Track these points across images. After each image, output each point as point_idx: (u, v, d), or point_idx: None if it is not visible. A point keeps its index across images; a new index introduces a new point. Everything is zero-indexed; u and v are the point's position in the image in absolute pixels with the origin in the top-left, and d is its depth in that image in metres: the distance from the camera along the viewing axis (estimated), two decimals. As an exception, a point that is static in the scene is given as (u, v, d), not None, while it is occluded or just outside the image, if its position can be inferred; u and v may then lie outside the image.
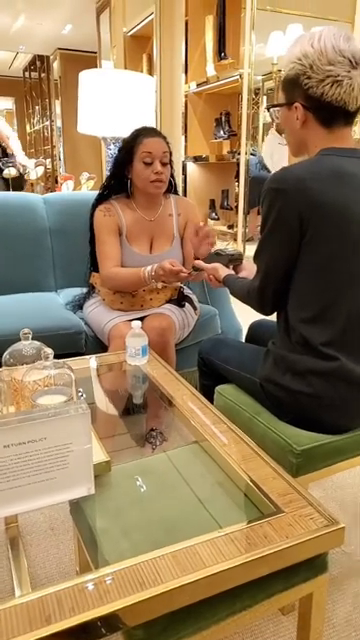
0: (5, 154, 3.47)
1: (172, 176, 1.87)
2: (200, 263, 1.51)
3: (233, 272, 1.47)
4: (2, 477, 0.76)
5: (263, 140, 4.46)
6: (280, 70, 1.14)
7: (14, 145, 3.63)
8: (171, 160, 1.80)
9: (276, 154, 4.05)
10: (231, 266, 1.50)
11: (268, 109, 1.22)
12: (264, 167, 4.19)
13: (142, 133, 1.75)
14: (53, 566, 1.32)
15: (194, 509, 0.89)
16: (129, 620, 0.66)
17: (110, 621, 0.63)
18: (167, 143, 1.77)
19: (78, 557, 1.24)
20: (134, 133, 1.77)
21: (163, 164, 1.74)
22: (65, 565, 1.32)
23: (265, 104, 4.30)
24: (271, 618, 1.20)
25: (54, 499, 0.81)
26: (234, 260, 1.51)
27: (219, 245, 1.76)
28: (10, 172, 3.13)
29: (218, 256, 1.51)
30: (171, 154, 1.79)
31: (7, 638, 0.59)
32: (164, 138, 1.77)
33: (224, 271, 1.44)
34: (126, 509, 0.89)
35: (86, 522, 0.87)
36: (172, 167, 1.83)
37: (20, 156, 3.59)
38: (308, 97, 1.07)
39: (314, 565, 0.83)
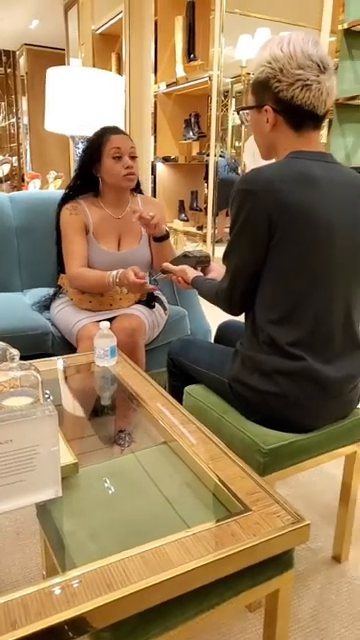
0: None
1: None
2: (168, 265, 1.51)
3: (201, 274, 1.48)
4: (-34, 481, 0.75)
5: (232, 143, 4.50)
6: (249, 73, 1.15)
7: None
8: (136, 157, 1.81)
9: (257, 153, 4.10)
10: (199, 268, 1.51)
11: (238, 112, 1.24)
12: (233, 169, 4.24)
13: (107, 131, 1.78)
14: (18, 571, 1.30)
15: (162, 509, 0.90)
16: (97, 622, 0.65)
17: (78, 624, 0.63)
18: (131, 140, 1.80)
19: (45, 561, 1.23)
20: (99, 132, 1.80)
21: (132, 157, 1.76)
22: (31, 569, 1.30)
23: (234, 106, 4.35)
24: (238, 615, 1.21)
25: (21, 502, 0.80)
26: (202, 262, 1.52)
27: (189, 247, 1.77)
28: None
29: (186, 258, 1.52)
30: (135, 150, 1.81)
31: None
32: (128, 136, 1.81)
33: (192, 273, 1.45)
34: (94, 511, 0.89)
35: (53, 525, 0.86)
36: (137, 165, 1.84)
37: None
38: (278, 100, 1.09)
39: (280, 562, 0.85)
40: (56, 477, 0.82)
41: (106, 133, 1.77)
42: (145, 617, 0.71)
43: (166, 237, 1.81)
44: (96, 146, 1.76)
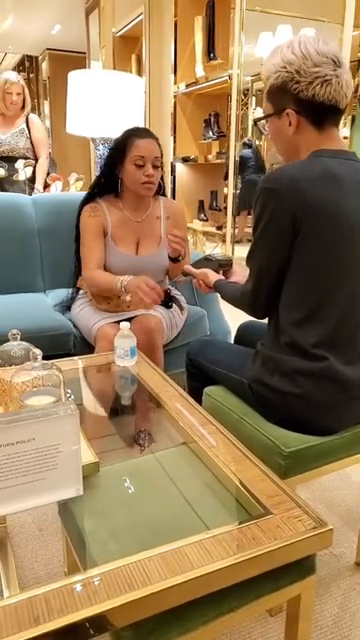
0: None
1: (162, 178, 1.87)
2: (189, 268, 1.51)
3: (223, 277, 1.47)
4: (-11, 479, 0.76)
5: (252, 136, 4.46)
6: (267, 77, 1.15)
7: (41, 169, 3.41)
8: (162, 162, 1.80)
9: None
10: (221, 271, 1.50)
11: (255, 122, 1.22)
12: (259, 168, 4.19)
13: (135, 134, 1.74)
14: (41, 567, 1.32)
15: (182, 511, 0.89)
16: (117, 621, 0.66)
17: (98, 622, 0.63)
18: (159, 145, 1.77)
19: (66, 558, 1.24)
20: (126, 133, 1.76)
21: (154, 167, 1.74)
22: (53, 566, 1.32)
23: (254, 105, 4.32)
24: (259, 620, 1.20)
25: (43, 500, 0.81)
26: (224, 265, 1.51)
27: (208, 248, 1.77)
28: (19, 176, 3.10)
29: (208, 261, 1.50)
30: (162, 155, 1.79)
31: (-5, 641, 0.59)
32: (156, 139, 1.77)
33: (214, 276, 1.44)
34: (114, 510, 0.89)
35: (74, 523, 0.87)
36: (162, 169, 1.83)
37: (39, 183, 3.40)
38: (299, 101, 1.09)
39: (302, 567, 0.84)
40: (77, 476, 0.83)
41: (132, 136, 1.73)
42: (165, 618, 0.71)
43: (179, 260, 1.79)
44: (121, 148, 1.74)
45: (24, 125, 3.31)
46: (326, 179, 1.05)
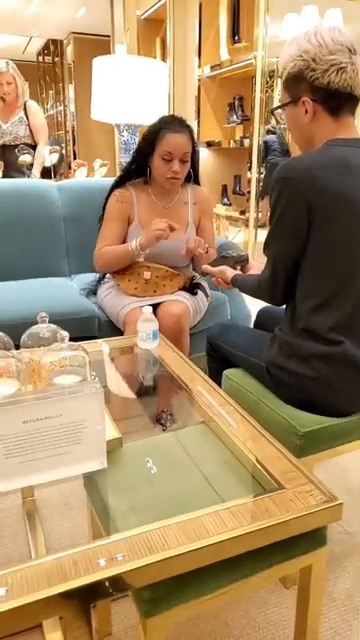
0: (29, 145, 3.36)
1: (194, 167, 1.88)
2: (207, 267, 1.55)
3: (240, 272, 1.51)
4: (21, 451, 0.82)
5: (277, 124, 4.41)
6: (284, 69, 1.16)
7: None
8: (194, 150, 1.81)
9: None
10: (238, 267, 1.54)
11: (272, 112, 1.23)
12: (284, 152, 4.14)
13: (168, 126, 1.73)
14: (67, 538, 1.39)
15: (201, 485, 0.94)
16: (138, 581, 0.72)
17: (121, 581, 0.69)
18: (192, 138, 1.77)
19: (91, 530, 1.31)
20: (159, 124, 1.76)
21: (182, 162, 1.76)
22: (78, 538, 1.39)
23: (279, 87, 4.26)
24: (274, 591, 1.26)
25: (69, 471, 0.87)
26: (240, 261, 1.55)
27: (231, 233, 1.79)
28: (25, 159, 3.13)
29: (225, 259, 1.55)
30: (196, 146, 1.80)
31: (28, 592, 0.65)
32: (189, 132, 1.77)
33: (231, 272, 1.48)
34: (136, 484, 0.95)
35: (99, 495, 0.93)
36: (195, 158, 1.84)
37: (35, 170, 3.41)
38: (315, 89, 1.10)
39: (313, 539, 0.88)
40: (102, 450, 0.89)
41: (164, 129, 1.73)
42: (182, 581, 0.77)
43: (205, 252, 1.82)
44: (152, 139, 1.75)
45: (22, 113, 3.32)
46: (340, 167, 1.07)
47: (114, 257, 1.83)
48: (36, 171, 3.33)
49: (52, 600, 0.65)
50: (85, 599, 0.69)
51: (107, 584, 0.68)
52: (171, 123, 1.76)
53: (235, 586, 0.83)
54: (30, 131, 3.36)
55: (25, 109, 3.34)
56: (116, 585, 0.69)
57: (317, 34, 1.08)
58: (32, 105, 3.39)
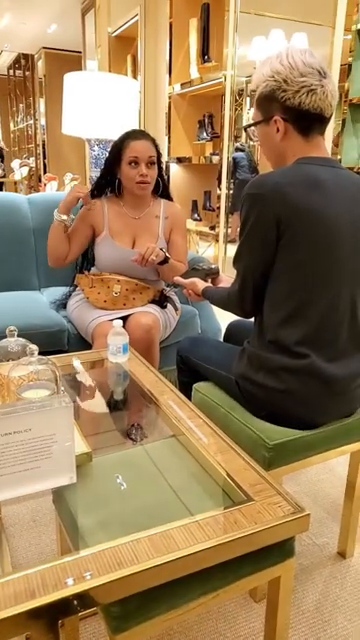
0: None
1: (162, 177, 1.92)
2: (178, 279, 1.57)
3: (211, 285, 1.53)
4: (-12, 467, 0.80)
5: (246, 141, 4.52)
6: (254, 91, 1.20)
7: None
8: (160, 162, 1.85)
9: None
10: (209, 280, 1.57)
11: (245, 129, 1.27)
12: (253, 169, 4.23)
13: (130, 136, 1.82)
14: (35, 556, 1.36)
15: (170, 498, 0.95)
16: (107, 597, 0.71)
17: (89, 597, 0.68)
18: (155, 145, 1.83)
19: (60, 547, 1.28)
20: (123, 136, 1.84)
21: (148, 166, 1.81)
22: (46, 555, 1.37)
23: (249, 105, 4.37)
24: (244, 605, 1.26)
25: (38, 487, 0.86)
26: (211, 274, 1.58)
27: (201, 247, 1.82)
28: None
29: (195, 271, 1.58)
30: (160, 155, 1.85)
31: (-6, 611, 0.64)
32: (152, 140, 1.84)
33: (202, 284, 1.51)
34: (106, 499, 0.94)
35: (68, 510, 0.92)
36: (161, 169, 1.89)
37: None
38: (286, 108, 1.14)
39: (282, 550, 0.89)
40: (71, 465, 0.88)
41: (128, 138, 1.81)
42: (152, 595, 0.76)
43: (165, 262, 1.84)
44: (117, 150, 1.82)
45: None
46: (310, 184, 1.10)
47: (51, 238, 1.87)
48: None
49: (19, 618, 0.64)
50: (53, 617, 0.68)
51: (75, 601, 0.67)
52: (133, 133, 1.84)
53: (205, 599, 0.83)
54: None
55: None
56: (85, 601, 0.68)
57: (289, 56, 1.12)
58: None
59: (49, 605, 0.65)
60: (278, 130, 1.17)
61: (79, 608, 0.68)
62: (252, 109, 1.24)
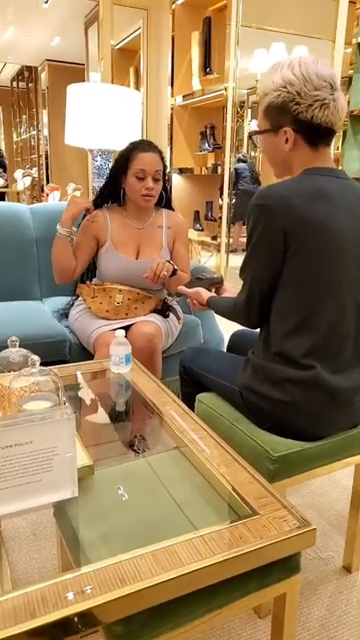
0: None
1: (165, 189, 1.92)
2: (182, 289, 1.56)
3: (215, 294, 1.52)
4: (-12, 480, 0.79)
5: (247, 152, 4.54)
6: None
7: None
8: (165, 174, 1.85)
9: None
10: (213, 289, 1.56)
11: (250, 136, 1.27)
12: (255, 180, 4.25)
13: (138, 147, 1.80)
14: (35, 571, 1.34)
15: (173, 512, 0.93)
16: (110, 615, 0.69)
17: (91, 616, 0.66)
18: (162, 158, 1.83)
19: (61, 562, 1.26)
20: (130, 146, 1.82)
21: (155, 180, 1.80)
22: (47, 570, 1.34)
23: (250, 117, 4.40)
24: (248, 621, 1.23)
25: (39, 501, 0.84)
26: (215, 283, 1.57)
27: (204, 257, 1.82)
28: None
29: (199, 280, 1.57)
30: (165, 168, 1.85)
31: (-7, 630, 0.62)
32: (159, 152, 1.83)
33: (206, 294, 1.50)
34: (108, 512, 0.92)
35: (69, 524, 0.90)
36: (165, 181, 1.88)
37: None
38: (298, 121, 1.13)
39: (287, 565, 0.87)
40: (73, 478, 0.86)
41: (136, 149, 1.79)
42: (156, 613, 0.74)
43: (174, 274, 1.82)
44: (124, 160, 1.80)
45: None
46: (316, 196, 1.10)
47: (55, 252, 1.84)
48: None
49: (19, 638, 0.62)
50: (54, 636, 0.66)
51: (77, 620, 0.65)
52: (141, 144, 1.82)
53: (210, 617, 0.81)
54: None
55: None
56: (87, 620, 0.66)
57: (301, 66, 1.10)
58: None
59: (50, 624, 0.63)
60: (287, 141, 1.16)
61: (81, 627, 0.66)
62: (253, 120, 1.23)
